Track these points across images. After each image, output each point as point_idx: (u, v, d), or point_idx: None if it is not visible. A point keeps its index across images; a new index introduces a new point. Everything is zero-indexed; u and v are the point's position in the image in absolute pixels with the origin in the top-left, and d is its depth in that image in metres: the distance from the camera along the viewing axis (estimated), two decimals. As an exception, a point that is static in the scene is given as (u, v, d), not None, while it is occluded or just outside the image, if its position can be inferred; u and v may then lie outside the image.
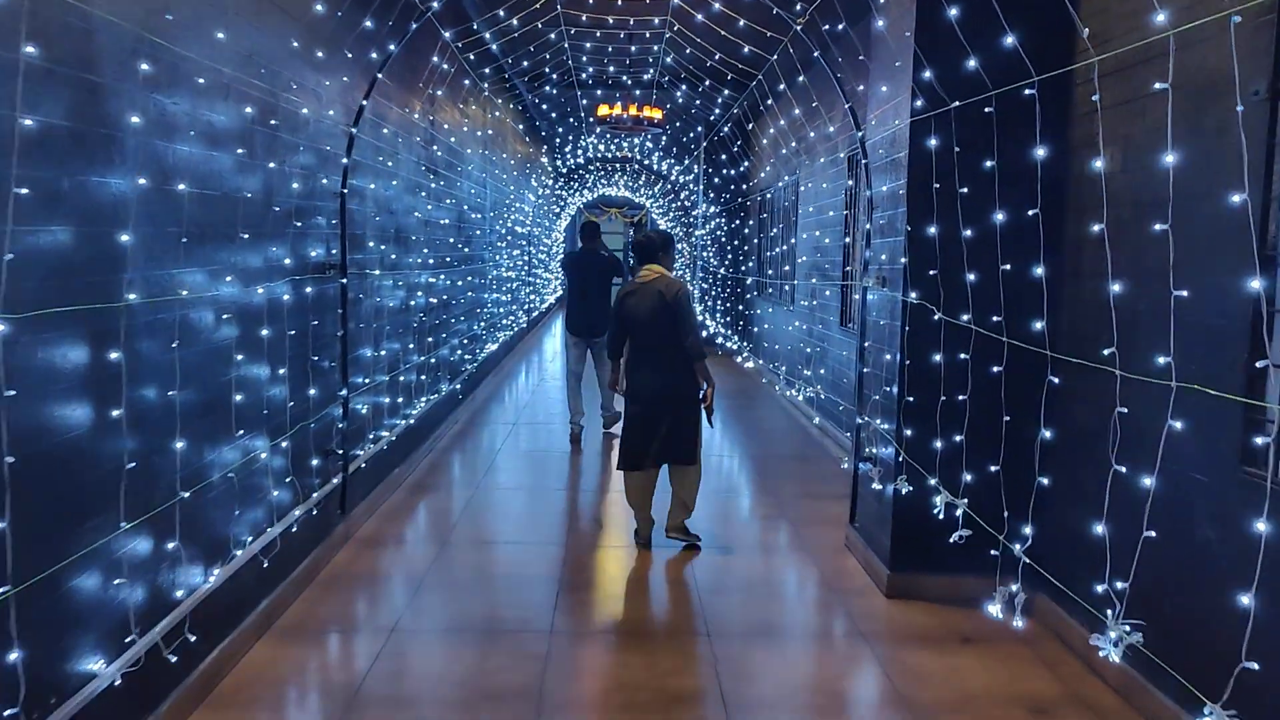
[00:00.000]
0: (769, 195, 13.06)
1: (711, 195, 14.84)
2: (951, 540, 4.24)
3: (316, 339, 4.87)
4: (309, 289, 4.72)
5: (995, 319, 4.44)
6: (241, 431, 3.92)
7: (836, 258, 9.08)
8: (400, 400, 6.85)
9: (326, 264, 5.04)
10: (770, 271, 12.96)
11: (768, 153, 12.72)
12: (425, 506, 6.51)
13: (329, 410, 5.15)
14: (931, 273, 4.63)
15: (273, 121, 4.24)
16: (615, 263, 9.22)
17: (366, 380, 5.93)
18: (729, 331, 14.47)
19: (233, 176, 3.84)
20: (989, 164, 4.49)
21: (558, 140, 15.88)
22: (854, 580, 5.24)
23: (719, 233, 14.96)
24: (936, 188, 4.57)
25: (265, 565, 4.18)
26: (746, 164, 14.19)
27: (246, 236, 3.91)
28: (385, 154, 6.30)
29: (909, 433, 4.77)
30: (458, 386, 9.19)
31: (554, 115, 13.53)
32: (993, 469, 4.46)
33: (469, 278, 9.90)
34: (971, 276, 4.52)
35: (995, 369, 4.44)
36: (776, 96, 10.31)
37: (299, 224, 4.54)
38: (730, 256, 14.80)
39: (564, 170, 19.40)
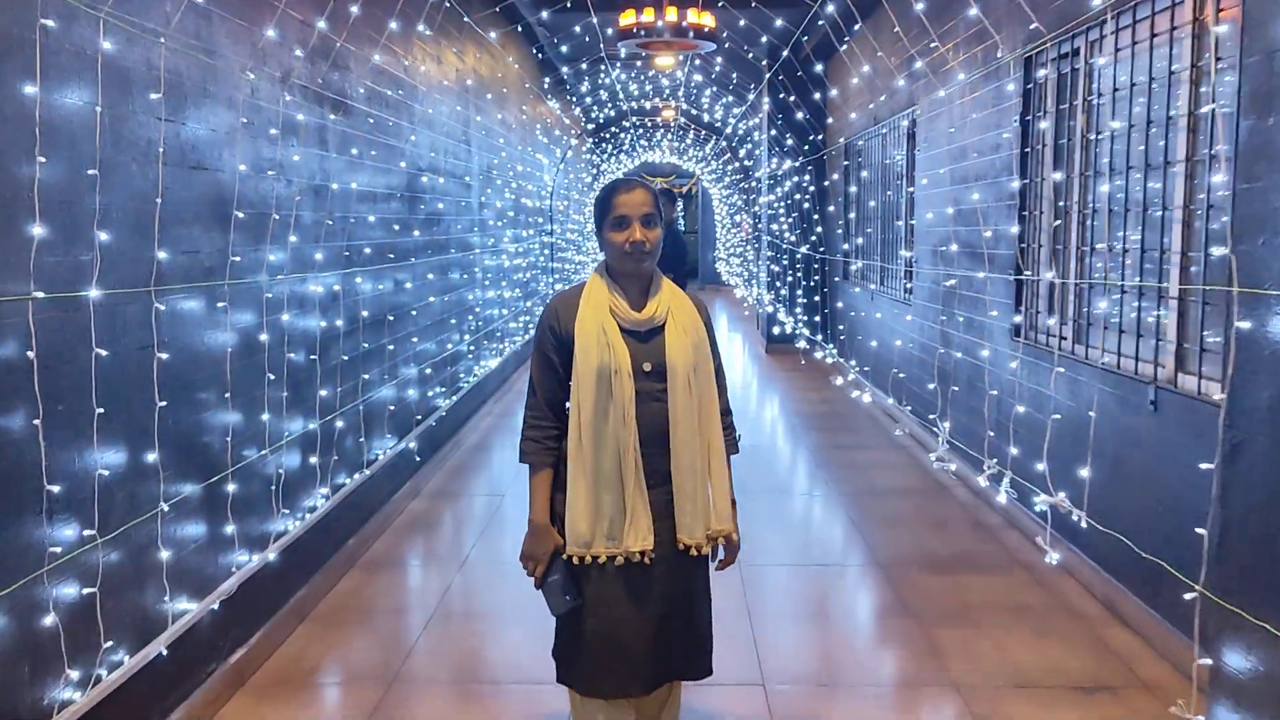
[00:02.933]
0: (865, 142, 9.55)
1: (785, 147, 11.12)
2: None
3: None
4: None
5: None
6: None
7: (1004, 224, 5.65)
8: (257, 519, 3.64)
9: None
10: (856, 247, 9.50)
11: (864, 82, 9.22)
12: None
13: None
14: None
15: None
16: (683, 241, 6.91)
17: (89, 536, 2.70)
18: (817, 334, 10.93)
19: None
20: None
21: (568, 83, 12.24)
22: None
23: (798, 196, 11.29)
24: None
25: None
26: (830, 101, 10.68)
27: None
28: (119, 34, 3.05)
29: None
30: (413, 445, 5.97)
31: (568, 49, 10.07)
32: None
33: (434, 275, 6.65)
34: None
35: None
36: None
37: None
38: (817, 229, 11.15)
39: (590, 127, 15.99)
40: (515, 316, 10.15)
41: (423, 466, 6.31)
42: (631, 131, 16.49)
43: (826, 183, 10.51)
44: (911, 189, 7.92)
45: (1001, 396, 5.33)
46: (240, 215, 3.58)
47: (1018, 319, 5.35)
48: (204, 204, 3.44)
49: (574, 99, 13.19)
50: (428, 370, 6.45)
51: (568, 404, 2.57)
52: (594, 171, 18.46)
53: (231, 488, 3.55)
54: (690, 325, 2.59)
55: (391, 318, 5.55)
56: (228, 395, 3.52)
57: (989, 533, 5.40)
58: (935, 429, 6.05)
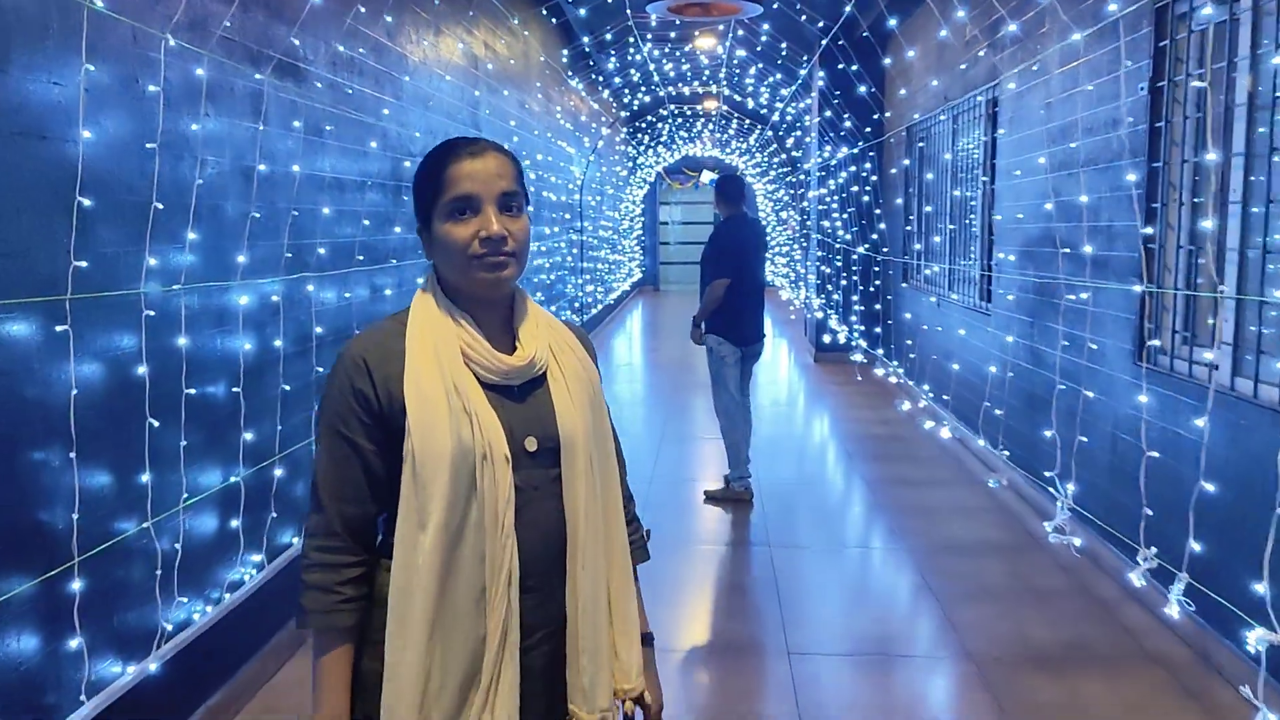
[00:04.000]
0: (933, 127, 8.36)
1: (840, 131, 9.77)
2: None
3: None
4: None
5: None
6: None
7: (1124, 219, 4.51)
8: (134, 615, 2.64)
9: None
10: (927, 247, 8.31)
11: (931, 55, 8.06)
12: None
13: None
14: None
15: None
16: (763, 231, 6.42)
17: None
18: (877, 347, 9.68)
19: None
20: None
21: (592, 57, 10.97)
22: None
23: (855, 189, 9.96)
24: None
25: None
26: (904, 70, 9.49)
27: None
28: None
29: None
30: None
31: (588, 12, 8.94)
32: None
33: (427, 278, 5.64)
34: None
35: None
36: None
37: None
38: (879, 226, 9.83)
39: (624, 115, 14.91)
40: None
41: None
42: (670, 121, 15.40)
43: (894, 170, 9.22)
44: (992, 179, 6.76)
45: (1166, 460, 4.05)
46: (86, 203, 2.55)
47: (1207, 349, 4.19)
48: (41, 187, 2.44)
49: (601, 78, 12.04)
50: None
51: (382, 517, 1.59)
52: (629, 164, 17.39)
53: (78, 584, 2.54)
54: (581, 370, 1.66)
55: (359, 332, 4.53)
56: (73, 455, 2.51)
57: (1105, 609, 4.26)
58: (1053, 490, 4.77)
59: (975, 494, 6.04)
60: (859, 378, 9.34)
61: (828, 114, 9.48)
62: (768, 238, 8.26)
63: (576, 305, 11.84)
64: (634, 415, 8.70)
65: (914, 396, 8.17)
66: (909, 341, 8.46)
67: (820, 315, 11.00)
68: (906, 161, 8.82)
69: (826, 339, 10.70)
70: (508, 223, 1.54)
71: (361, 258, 4.53)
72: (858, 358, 9.41)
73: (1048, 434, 4.58)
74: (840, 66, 7.69)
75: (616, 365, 11.62)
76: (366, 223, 4.60)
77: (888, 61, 8.57)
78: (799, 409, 9.23)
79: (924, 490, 6.16)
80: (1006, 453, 5.49)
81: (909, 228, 8.91)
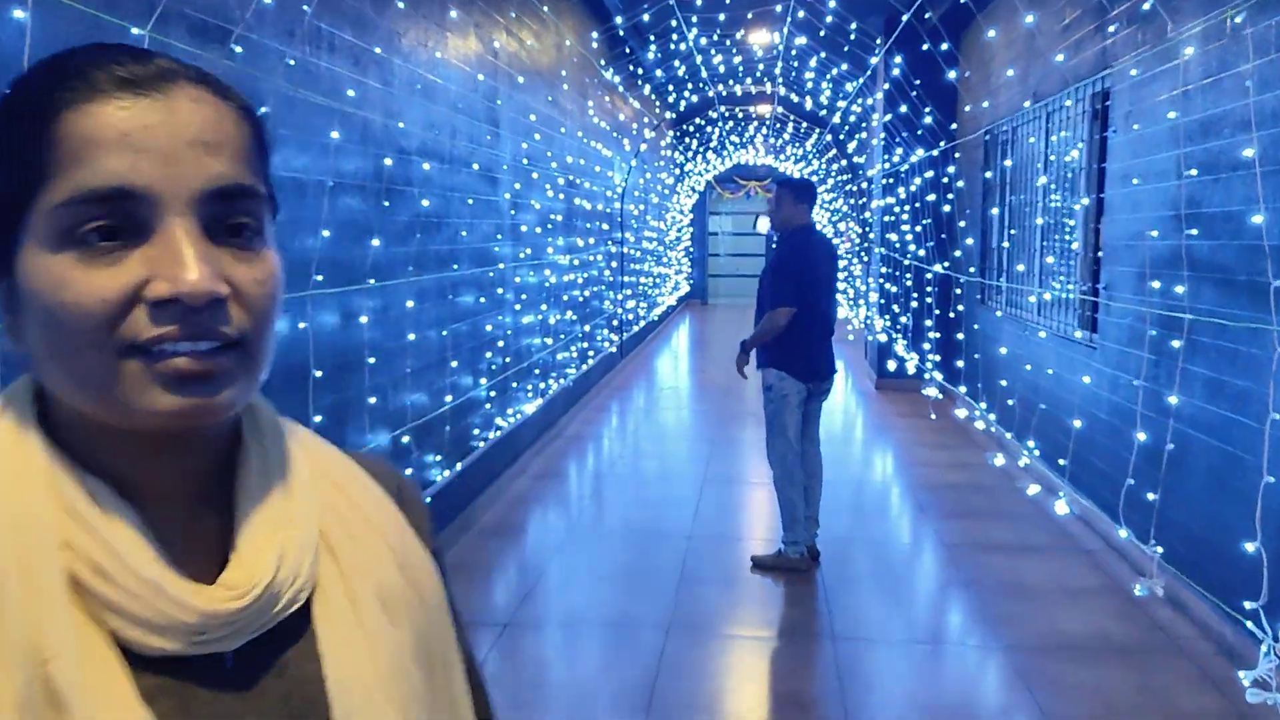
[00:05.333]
0: (1019, 128, 7.22)
1: (917, 129, 8.44)
2: None
3: None
4: None
5: None
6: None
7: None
8: None
9: None
10: (1026, 268, 7.19)
11: (1020, 43, 6.96)
12: None
13: None
14: None
15: None
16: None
17: None
18: (959, 384, 8.42)
19: None
20: None
21: (629, 43, 9.75)
22: None
23: (932, 197, 8.67)
24: None
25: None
26: (979, 64, 8.37)
27: None
28: None
29: None
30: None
31: (632, 8, 7.97)
32: None
33: (430, 301, 4.74)
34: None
35: None
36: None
37: None
38: (966, 242, 8.50)
39: (670, 116, 13.95)
40: (566, 345, 8.22)
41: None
42: (720, 125, 14.41)
43: (989, 173, 7.96)
44: (1100, 187, 5.69)
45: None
46: None
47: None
48: None
49: (640, 70, 11.02)
50: (405, 438, 4.51)
51: None
52: (676, 171, 16.41)
53: None
54: (395, 575, 0.67)
55: (320, 372, 3.60)
56: None
57: (1285, 758, 3.19)
58: (1253, 625, 3.43)
59: (1078, 564, 4.97)
60: (933, 415, 8.22)
61: (903, 109, 8.34)
62: (838, 257, 6.92)
63: (615, 323, 10.89)
64: (675, 450, 7.75)
65: (1007, 446, 6.99)
66: (1003, 382, 7.19)
67: (884, 338, 9.92)
68: (1009, 162, 7.63)
69: (891, 365, 9.61)
70: (232, 265, 0.59)
71: (321, 277, 3.61)
72: (932, 392, 8.28)
73: (1250, 548, 3.34)
74: (925, 47, 6.49)
75: (660, 388, 10.67)
76: (327, 233, 3.68)
77: (992, 33, 7.33)
78: (857, 444, 8.19)
79: (1017, 560, 5.09)
80: (1160, 549, 4.29)
81: (1006, 244, 7.72)
